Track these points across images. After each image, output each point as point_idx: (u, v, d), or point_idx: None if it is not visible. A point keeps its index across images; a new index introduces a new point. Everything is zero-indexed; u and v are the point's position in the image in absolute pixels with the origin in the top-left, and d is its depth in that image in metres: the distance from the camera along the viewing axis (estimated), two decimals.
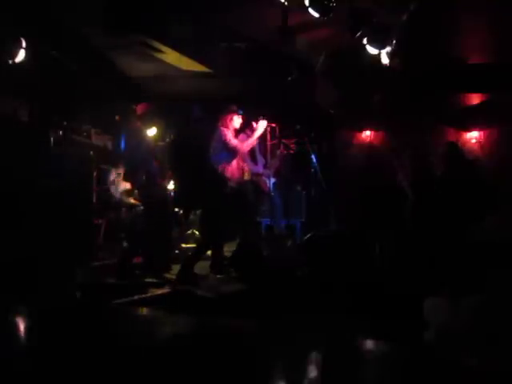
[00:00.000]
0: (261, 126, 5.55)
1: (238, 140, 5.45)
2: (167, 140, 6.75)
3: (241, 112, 5.64)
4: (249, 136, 5.59)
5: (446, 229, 4.46)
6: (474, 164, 5.56)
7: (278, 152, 6.42)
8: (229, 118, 5.41)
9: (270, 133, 6.12)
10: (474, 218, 4.05)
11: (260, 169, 6.03)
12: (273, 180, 6.22)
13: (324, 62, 6.27)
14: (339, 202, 6.95)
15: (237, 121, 5.47)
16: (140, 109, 5.08)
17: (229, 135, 5.33)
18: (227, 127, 5.40)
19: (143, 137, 4.99)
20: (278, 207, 6.41)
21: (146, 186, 4.91)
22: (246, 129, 5.67)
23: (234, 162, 5.44)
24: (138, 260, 5.33)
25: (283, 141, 6.91)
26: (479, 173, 5.20)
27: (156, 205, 4.91)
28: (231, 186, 5.35)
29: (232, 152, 5.36)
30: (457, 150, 5.31)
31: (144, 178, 4.87)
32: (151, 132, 5.99)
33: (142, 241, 5.00)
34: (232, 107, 5.50)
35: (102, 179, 6.50)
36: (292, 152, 6.95)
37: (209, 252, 5.25)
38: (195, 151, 4.73)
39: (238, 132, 5.57)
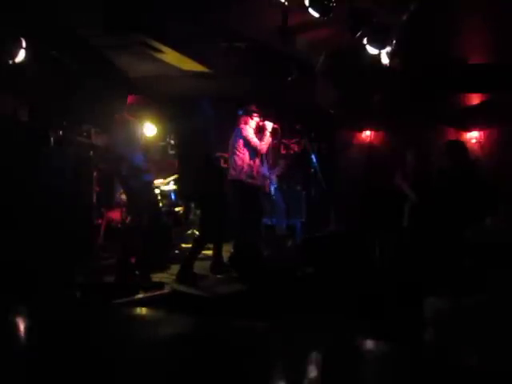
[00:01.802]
0: (269, 126, 5.69)
1: (257, 139, 5.61)
2: (167, 140, 6.76)
3: (240, 112, 5.70)
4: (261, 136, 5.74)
5: (446, 229, 4.46)
6: (476, 164, 5.55)
7: (282, 161, 6.54)
8: (250, 117, 5.58)
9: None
10: (474, 218, 4.05)
11: (266, 170, 6.14)
12: (274, 184, 6.31)
13: (324, 62, 6.27)
14: (339, 202, 6.95)
15: (255, 120, 5.68)
16: (130, 99, 4.98)
17: (250, 133, 5.50)
18: (248, 125, 5.63)
19: (130, 129, 4.83)
20: (280, 209, 6.48)
21: (128, 175, 4.72)
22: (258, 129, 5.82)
23: (248, 160, 5.60)
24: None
25: (283, 141, 6.92)
26: (480, 173, 5.19)
27: (136, 196, 4.78)
28: (247, 182, 5.50)
29: (253, 150, 5.52)
30: (461, 148, 5.29)
31: (127, 169, 4.69)
32: (150, 131, 6.03)
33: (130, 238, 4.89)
34: (251, 107, 5.63)
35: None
36: (292, 152, 6.97)
37: (208, 252, 5.26)
38: (200, 146, 4.74)
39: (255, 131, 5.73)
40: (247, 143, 5.55)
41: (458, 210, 4.52)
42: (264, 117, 5.79)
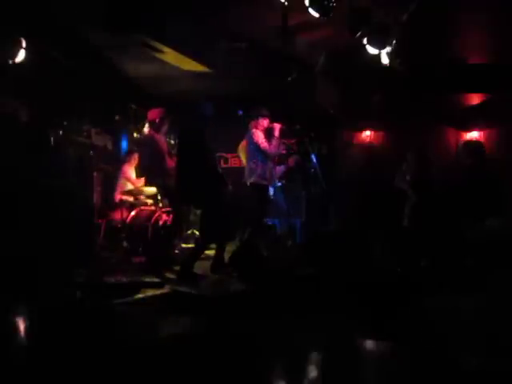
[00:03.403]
0: (277, 128, 5.69)
1: (266, 142, 5.58)
2: (167, 140, 6.78)
3: (240, 112, 5.69)
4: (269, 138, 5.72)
5: (449, 228, 4.46)
6: (492, 163, 5.51)
7: (291, 159, 6.50)
8: (260, 121, 5.56)
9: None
10: (479, 217, 4.06)
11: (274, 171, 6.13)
12: (277, 184, 6.30)
13: (324, 62, 6.27)
14: (339, 202, 6.95)
15: (265, 123, 5.67)
16: (151, 115, 5.29)
17: (261, 138, 5.49)
18: (258, 129, 5.60)
19: (157, 145, 5.17)
20: (282, 209, 6.48)
21: (166, 185, 5.06)
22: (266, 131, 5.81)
23: (261, 164, 5.58)
24: (139, 260, 5.34)
25: (283, 141, 6.92)
26: (496, 173, 5.18)
27: (179, 207, 5.13)
28: (261, 183, 5.48)
29: (264, 154, 5.51)
30: (481, 148, 5.29)
31: (163, 181, 5.06)
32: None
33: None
34: (262, 110, 5.62)
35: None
36: (292, 152, 6.96)
37: (209, 252, 5.26)
38: (198, 148, 4.76)
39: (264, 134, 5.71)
40: (258, 147, 5.53)
41: (471, 208, 4.50)
42: (273, 119, 5.77)
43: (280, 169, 6.40)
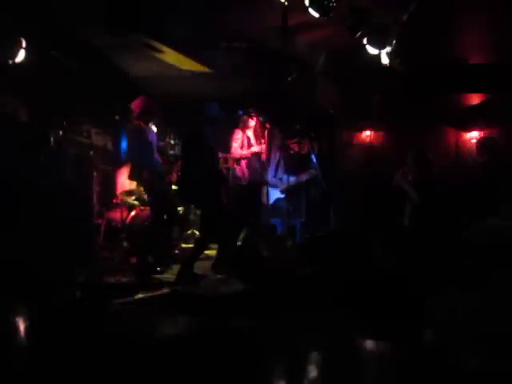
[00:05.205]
0: (253, 122, 5.68)
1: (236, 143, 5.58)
2: (167, 140, 6.78)
3: (240, 112, 5.70)
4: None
5: (448, 228, 4.46)
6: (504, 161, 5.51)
7: (303, 174, 6.47)
8: (247, 120, 5.57)
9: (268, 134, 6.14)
10: (493, 215, 4.05)
11: (269, 176, 6.13)
12: (280, 186, 6.30)
13: (324, 62, 6.27)
14: (339, 202, 6.95)
15: (252, 122, 5.62)
16: (134, 106, 5.04)
17: (237, 138, 5.49)
18: (244, 128, 5.56)
19: (144, 135, 4.97)
20: (282, 210, 6.49)
21: (151, 181, 4.92)
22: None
23: (244, 162, 5.57)
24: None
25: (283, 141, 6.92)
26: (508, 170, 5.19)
27: (160, 199, 4.96)
28: (240, 184, 5.47)
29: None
30: (497, 145, 5.30)
31: (148, 175, 4.88)
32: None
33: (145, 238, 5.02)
34: (250, 110, 5.63)
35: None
36: (292, 152, 6.96)
37: (209, 252, 5.27)
38: (199, 147, 4.76)
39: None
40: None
41: (486, 206, 4.51)
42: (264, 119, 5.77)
43: (272, 168, 6.40)
